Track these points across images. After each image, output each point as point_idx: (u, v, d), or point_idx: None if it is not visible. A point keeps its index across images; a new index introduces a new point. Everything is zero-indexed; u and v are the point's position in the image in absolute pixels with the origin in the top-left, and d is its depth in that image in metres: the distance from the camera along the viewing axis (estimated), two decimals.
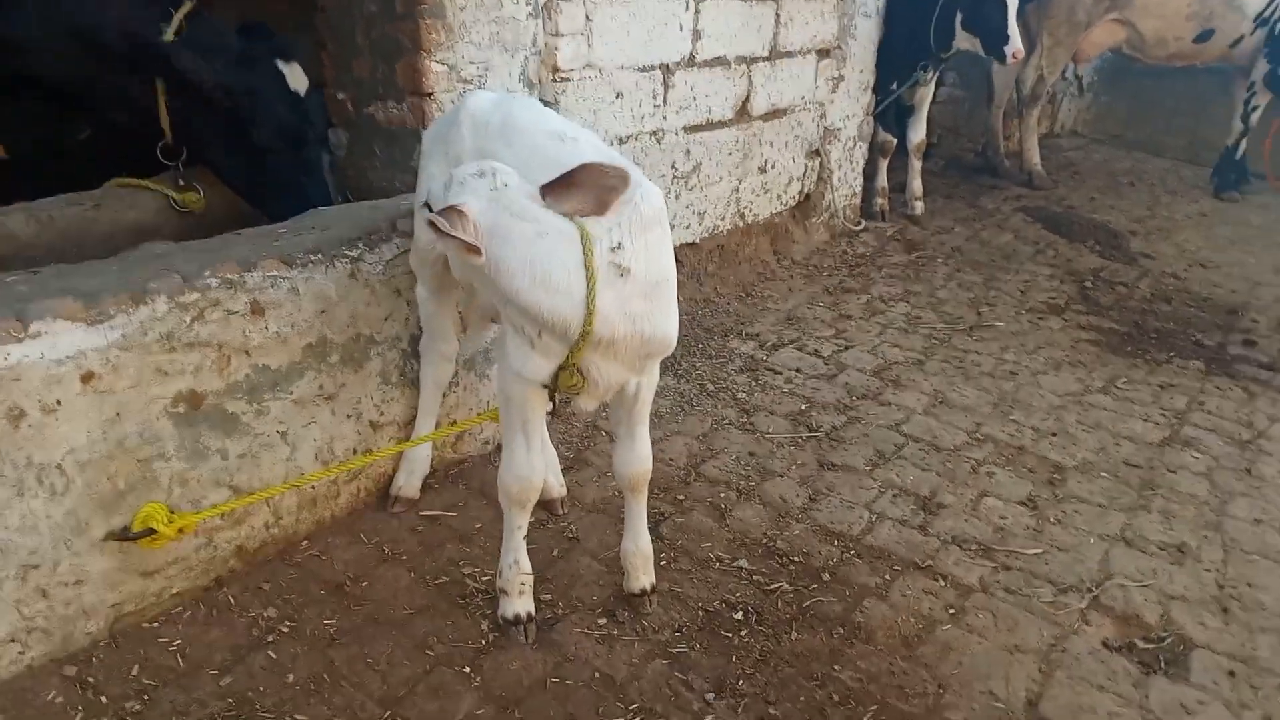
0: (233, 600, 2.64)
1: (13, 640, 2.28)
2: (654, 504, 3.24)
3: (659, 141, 4.49)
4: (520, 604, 2.58)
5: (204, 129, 3.26)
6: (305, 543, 2.87)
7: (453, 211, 2.04)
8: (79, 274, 2.43)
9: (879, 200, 6.51)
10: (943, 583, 2.97)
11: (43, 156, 3.39)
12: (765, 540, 3.12)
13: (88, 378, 2.28)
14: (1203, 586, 3.00)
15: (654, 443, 2.82)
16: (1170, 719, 2.47)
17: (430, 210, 2.10)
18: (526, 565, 2.60)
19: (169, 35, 3.03)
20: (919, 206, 6.63)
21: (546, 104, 3.77)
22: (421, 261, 2.80)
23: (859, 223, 6.35)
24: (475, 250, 2.04)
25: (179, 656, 2.43)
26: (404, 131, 3.52)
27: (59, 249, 3.05)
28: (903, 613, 2.82)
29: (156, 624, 2.53)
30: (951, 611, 2.83)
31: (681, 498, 3.32)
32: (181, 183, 3.27)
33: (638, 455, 2.60)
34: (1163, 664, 2.66)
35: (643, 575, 2.75)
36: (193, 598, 2.61)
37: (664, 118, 4.47)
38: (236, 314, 2.56)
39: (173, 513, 2.47)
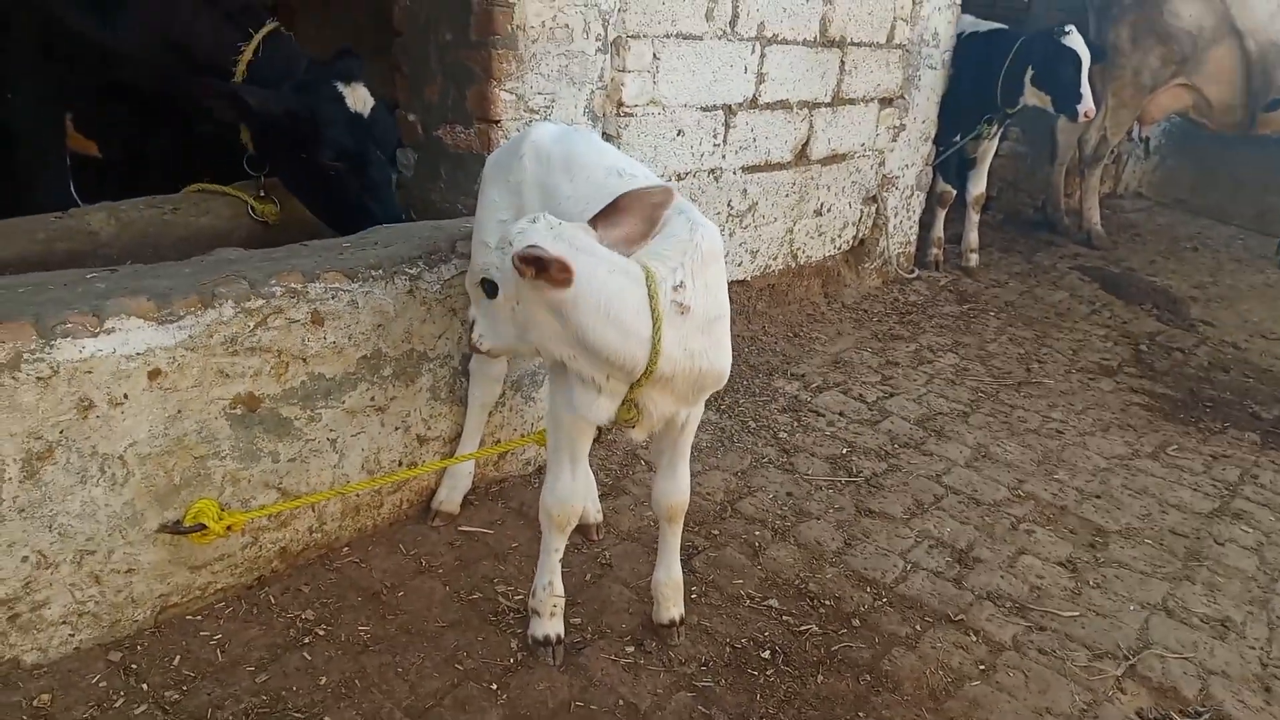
0: (273, 600, 2.71)
1: (64, 622, 2.37)
2: (688, 537, 3.26)
3: (717, 180, 4.56)
4: (551, 626, 2.61)
5: (276, 145, 3.41)
6: (346, 549, 2.94)
7: (531, 250, 2.01)
8: (153, 274, 2.55)
9: (934, 250, 6.50)
10: (974, 638, 2.93)
11: (131, 159, 3.55)
12: (797, 581, 3.12)
13: (154, 374, 2.39)
14: (1245, 663, 2.92)
15: (693, 476, 2.85)
16: None
17: (486, 282, 2.18)
18: (560, 588, 2.64)
19: (240, 68, 3.19)
20: (974, 259, 6.60)
21: (608, 138, 3.87)
22: (475, 282, 2.88)
23: (912, 271, 6.35)
24: (567, 270, 1.99)
25: (219, 650, 2.50)
26: (469, 155, 3.63)
27: (136, 249, 3.19)
28: (932, 665, 2.79)
29: (199, 617, 2.61)
30: (982, 668, 2.80)
31: (716, 533, 3.33)
32: (262, 193, 3.41)
33: (678, 486, 2.63)
34: None
35: (672, 606, 2.76)
36: (235, 594, 2.69)
37: (723, 157, 4.54)
38: (298, 323, 2.66)
39: (223, 510, 2.56)
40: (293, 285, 2.67)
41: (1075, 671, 2.80)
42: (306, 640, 2.58)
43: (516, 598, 2.85)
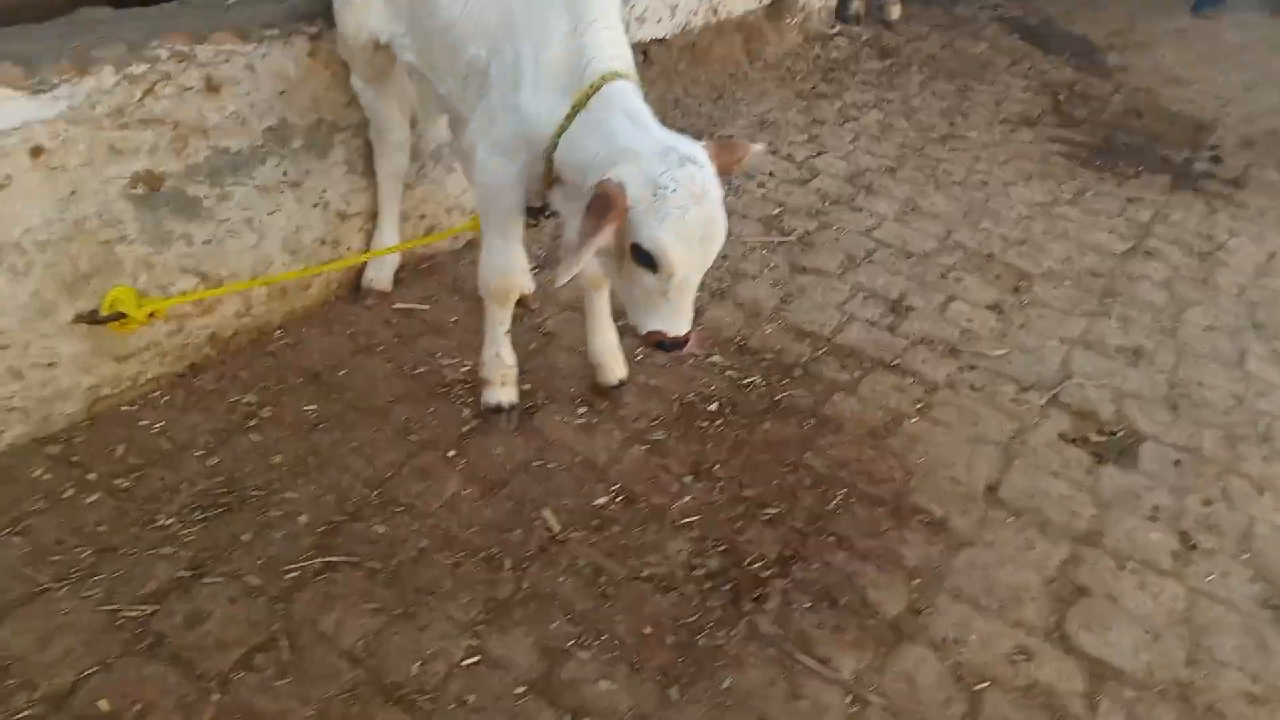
0: (210, 387, 2.61)
1: None
2: None
3: None
4: (503, 393, 2.61)
5: None
6: (279, 333, 2.83)
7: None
8: (16, 37, 2.22)
9: (855, 3, 6.23)
10: (910, 380, 3.06)
11: None
12: (738, 339, 3.16)
13: (37, 152, 2.14)
14: (1155, 386, 3.14)
15: None
16: (1119, 502, 2.64)
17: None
18: (510, 358, 2.61)
19: None
20: (896, 11, 6.37)
21: None
22: (350, 50, 2.64)
23: (834, 26, 6.10)
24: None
25: (163, 437, 2.43)
26: None
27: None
28: (871, 407, 2.91)
29: (135, 408, 2.51)
30: (919, 406, 2.94)
31: None
32: None
33: None
34: (1114, 454, 2.81)
35: (617, 367, 2.78)
36: (169, 383, 2.58)
37: None
38: (191, 89, 2.39)
39: (142, 298, 2.40)
40: (179, 48, 2.38)
41: (1004, 404, 2.97)
42: (252, 423, 2.52)
43: (462, 370, 2.82)
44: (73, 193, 2.23)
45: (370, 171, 2.95)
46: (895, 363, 3.13)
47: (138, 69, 2.28)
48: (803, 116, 4.94)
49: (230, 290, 2.50)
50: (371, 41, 2.57)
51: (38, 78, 2.12)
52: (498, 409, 2.61)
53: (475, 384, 2.70)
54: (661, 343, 2.08)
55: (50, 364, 2.30)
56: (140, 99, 2.30)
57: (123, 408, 2.49)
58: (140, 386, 2.51)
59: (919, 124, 5.04)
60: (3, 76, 2.06)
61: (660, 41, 4.72)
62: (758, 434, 2.75)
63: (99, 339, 2.37)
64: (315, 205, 2.82)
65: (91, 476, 2.28)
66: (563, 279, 1.93)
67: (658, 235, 1.89)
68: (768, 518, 2.46)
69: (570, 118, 2.08)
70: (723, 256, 3.55)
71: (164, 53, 2.34)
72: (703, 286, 3.40)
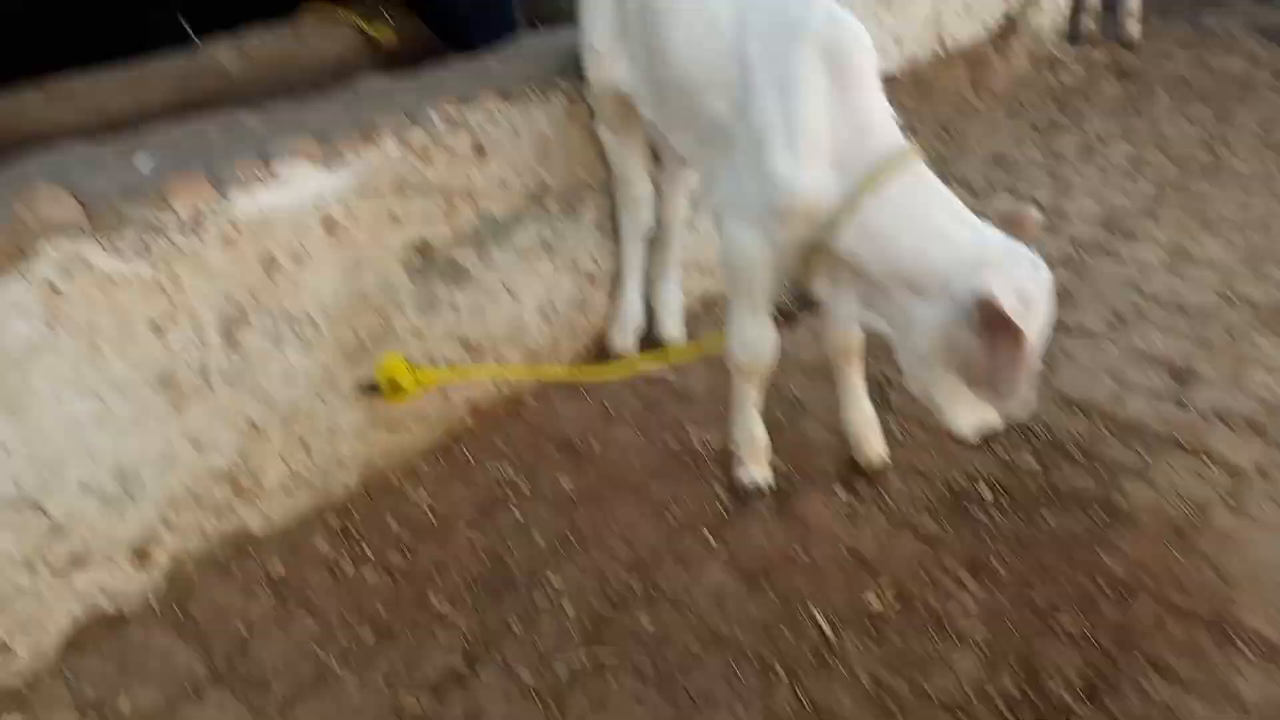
0: (470, 458, 2.60)
1: (282, 489, 2.30)
2: (878, 369, 3.02)
3: None
4: (758, 472, 2.47)
5: None
6: (532, 399, 2.79)
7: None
8: (304, 111, 2.27)
9: (1088, 21, 5.75)
10: (1211, 464, 2.69)
11: None
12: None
13: (329, 224, 2.16)
14: None
15: None
16: None
17: None
18: (762, 434, 2.47)
19: None
20: (1135, 29, 5.83)
21: None
22: (595, 98, 2.57)
23: (1064, 48, 5.65)
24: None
25: (429, 512, 2.42)
26: None
27: (268, 84, 2.91)
28: (1169, 496, 2.58)
29: (402, 479, 2.52)
30: (1227, 498, 2.57)
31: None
32: (369, 16, 3.03)
33: (852, 325, 2.39)
34: None
35: (877, 444, 2.58)
36: (433, 453, 2.59)
37: None
38: (460, 155, 2.37)
39: (412, 367, 2.40)
40: (449, 111, 2.37)
41: None
42: (513, 497, 2.48)
43: (711, 444, 2.69)
44: (357, 264, 2.25)
45: (616, 232, 2.88)
46: (1190, 443, 2.77)
47: (415, 137, 2.28)
48: (1040, 152, 4.56)
49: (512, 374, 2.46)
50: (613, 91, 2.48)
51: (331, 149, 2.15)
52: (754, 490, 2.46)
53: (727, 460, 2.56)
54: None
55: (332, 433, 2.34)
56: (418, 166, 2.30)
57: (391, 478, 2.51)
58: (407, 457, 2.52)
59: (1175, 156, 4.56)
60: (302, 150, 2.10)
61: (887, 79, 4.46)
62: (1039, 526, 2.47)
63: (373, 409, 2.39)
64: (568, 269, 2.77)
65: (367, 550, 2.29)
66: (1011, 407, 1.92)
67: None
68: (1065, 632, 2.19)
69: (858, 199, 1.91)
70: None
71: (437, 118, 2.34)
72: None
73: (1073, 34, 5.73)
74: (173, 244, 1.90)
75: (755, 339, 2.27)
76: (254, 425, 2.15)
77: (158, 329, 1.93)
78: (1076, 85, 5.36)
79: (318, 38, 2.97)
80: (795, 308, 2.28)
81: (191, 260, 1.94)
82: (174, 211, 1.89)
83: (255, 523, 2.25)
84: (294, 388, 2.21)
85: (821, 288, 2.14)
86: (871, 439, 2.58)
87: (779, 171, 1.95)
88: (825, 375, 2.98)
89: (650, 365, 2.87)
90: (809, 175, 1.94)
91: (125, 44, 2.86)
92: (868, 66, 1.99)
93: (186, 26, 3.08)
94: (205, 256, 1.95)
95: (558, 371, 2.61)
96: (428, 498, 2.45)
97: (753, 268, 2.14)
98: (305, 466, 2.30)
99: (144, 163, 1.92)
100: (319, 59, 2.95)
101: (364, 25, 2.99)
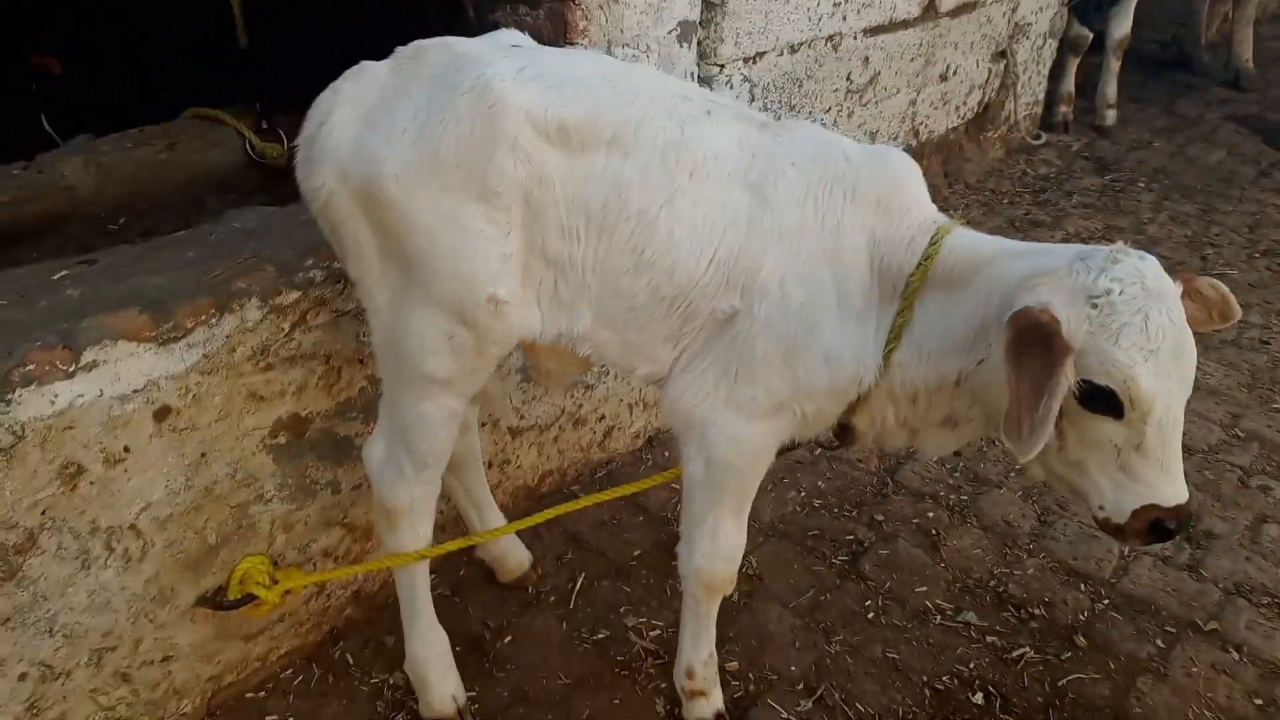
0: (351, 660, 2.15)
1: None
2: (849, 526, 2.63)
3: (835, 48, 3.64)
4: (714, 701, 2.00)
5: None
6: (434, 576, 2.34)
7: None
8: (144, 265, 1.84)
9: (1063, 108, 5.52)
10: (1236, 656, 2.29)
11: (98, 74, 2.77)
12: (992, 582, 2.49)
13: (162, 414, 1.73)
14: None
15: None
16: None
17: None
18: (714, 654, 2.01)
19: None
20: (1110, 116, 5.60)
21: (709, 6, 2.96)
22: (471, 371, 1.74)
23: (1038, 136, 5.40)
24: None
25: None
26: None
27: (126, 201, 2.49)
28: (1193, 701, 2.17)
29: (262, 693, 2.06)
30: (1259, 703, 2.17)
31: (880, 518, 2.68)
32: (263, 125, 2.62)
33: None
34: None
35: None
36: (304, 656, 2.14)
37: (844, 18, 3.61)
38: (347, 315, 1.96)
39: (275, 567, 1.96)
40: (336, 265, 1.95)
41: None
42: (398, 718, 2.02)
43: (652, 634, 2.26)
44: (203, 455, 1.81)
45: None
46: (1211, 626, 2.37)
47: (288, 299, 1.87)
48: None
49: (380, 565, 2.00)
50: (512, 345, 1.77)
51: (168, 324, 1.72)
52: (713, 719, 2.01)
53: (669, 658, 2.12)
54: (1158, 524, 1.49)
55: (165, 659, 1.88)
56: (288, 332, 1.88)
57: (248, 694, 2.04)
58: (269, 666, 2.07)
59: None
60: (125, 328, 1.67)
61: None
62: None
63: (225, 621, 1.94)
64: (484, 425, 2.35)
65: None
66: (1030, 451, 1.39)
67: (1116, 357, 1.39)
68: None
69: (904, 316, 1.60)
70: (955, 455, 2.94)
71: (319, 274, 1.92)
72: (936, 500, 2.79)
73: (1048, 122, 5.48)
74: None
75: (738, 547, 1.84)
76: (47, 668, 1.69)
77: None
78: (1053, 176, 5.08)
79: (195, 146, 2.56)
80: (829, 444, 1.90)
81: None
82: None
83: None
84: (108, 614, 1.75)
85: (866, 424, 1.76)
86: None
87: (835, 352, 1.63)
88: (785, 534, 2.59)
89: (572, 507, 2.35)
90: (856, 339, 1.64)
91: None
92: (912, 185, 1.70)
93: (49, 128, 2.67)
94: None
95: (466, 539, 2.15)
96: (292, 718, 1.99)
97: (757, 466, 1.78)
98: (125, 703, 1.84)
99: None
100: (194, 172, 2.54)
101: (250, 136, 2.58)
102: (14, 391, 1.53)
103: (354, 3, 2.56)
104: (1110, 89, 5.53)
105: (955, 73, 4.48)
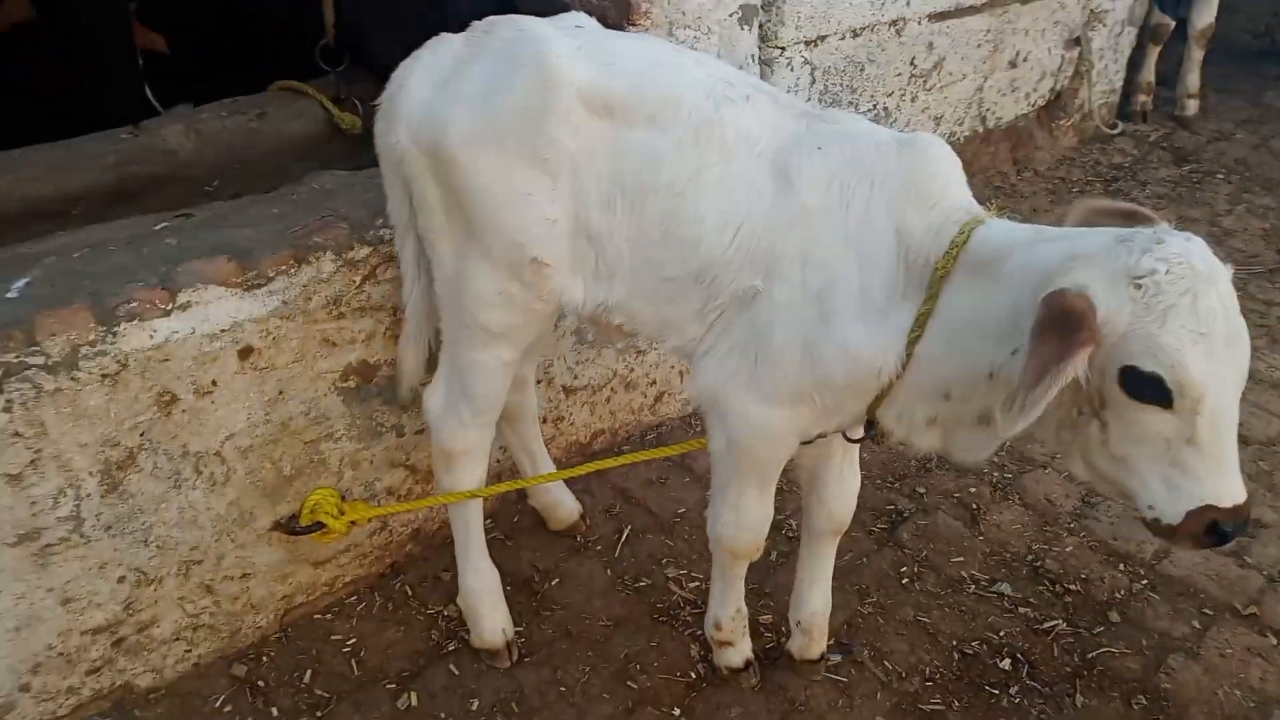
0: (410, 591, 2.32)
1: (178, 638, 2.03)
2: (890, 496, 2.70)
3: (899, 33, 3.67)
4: (742, 649, 2.11)
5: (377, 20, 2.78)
6: (489, 523, 2.48)
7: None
8: (234, 220, 2.03)
9: (1141, 98, 5.39)
10: (1274, 640, 2.29)
11: (201, 53, 3.00)
12: (1029, 556, 2.52)
13: (246, 353, 1.91)
14: None
15: None
16: None
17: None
18: (744, 609, 2.10)
19: None
20: (1192, 106, 5.45)
21: None
22: (518, 325, 1.89)
23: (1115, 125, 5.29)
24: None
25: (353, 661, 2.14)
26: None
27: (222, 165, 2.70)
28: (1224, 680, 2.19)
29: (329, 616, 2.25)
30: None
31: (921, 490, 2.74)
32: (341, 96, 2.80)
33: (852, 492, 2.07)
34: None
35: (821, 640, 2.17)
36: (368, 585, 2.31)
37: (907, 2, 3.64)
38: None
39: (343, 500, 2.13)
40: None
41: None
42: (451, 646, 2.19)
43: (691, 586, 2.37)
44: (280, 393, 1.99)
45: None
46: (1249, 610, 2.37)
47: (359, 253, 2.03)
48: None
49: (439, 501, 2.16)
50: (553, 307, 1.88)
51: (254, 271, 1.90)
52: (739, 669, 2.11)
53: (704, 609, 2.23)
54: (1217, 527, 1.38)
55: (244, 575, 2.07)
56: (359, 285, 2.05)
57: (316, 616, 2.23)
58: (336, 592, 2.25)
59: (1236, 252, 4.16)
60: (216, 274, 1.85)
61: None
62: (1067, 712, 2.10)
63: (296, 545, 2.12)
64: (539, 383, 2.49)
65: (273, 711, 2.01)
66: (1014, 429, 1.36)
67: (1162, 341, 1.30)
68: None
69: (928, 306, 1.57)
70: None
71: (387, 233, 2.08)
72: (980, 476, 2.83)
73: (1125, 111, 5.37)
74: (38, 387, 1.66)
75: (761, 520, 1.91)
76: (142, 574, 1.89)
77: (16, 481, 1.69)
78: (1128, 165, 4.99)
79: (282, 116, 2.76)
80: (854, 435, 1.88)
81: (62, 403, 1.69)
82: (41, 351, 1.65)
83: (142, 679, 1.98)
84: (195, 530, 1.95)
85: (892, 416, 1.72)
86: (818, 639, 2.15)
87: (854, 343, 1.61)
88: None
89: (644, 457, 2.48)
90: (879, 338, 1.61)
91: (87, 118, 2.68)
92: (944, 174, 1.65)
93: (153, 100, 2.90)
94: (80, 398, 1.71)
95: (519, 482, 2.31)
96: (354, 641, 2.16)
97: (776, 451, 1.81)
98: (208, 612, 2.03)
99: (16, 287, 1.69)
100: (282, 138, 2.74)
101: (331, 107, 2.77)
102: (120, 325, 1.72)
103: None
104: (1192, 78, 5.38)
105: (1025, 59, 4.45)
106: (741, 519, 1.88)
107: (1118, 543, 2.57)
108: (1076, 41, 4.76)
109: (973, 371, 1.55)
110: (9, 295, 1.70)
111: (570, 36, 1.74)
